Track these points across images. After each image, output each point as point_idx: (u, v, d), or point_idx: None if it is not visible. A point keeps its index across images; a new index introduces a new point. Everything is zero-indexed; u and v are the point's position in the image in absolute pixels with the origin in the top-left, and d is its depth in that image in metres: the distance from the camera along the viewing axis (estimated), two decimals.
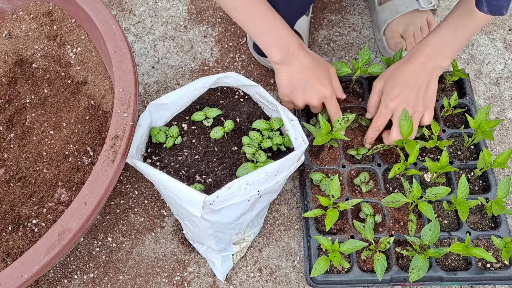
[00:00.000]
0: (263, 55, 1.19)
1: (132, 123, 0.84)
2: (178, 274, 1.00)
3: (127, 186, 1.09)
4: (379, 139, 1.00)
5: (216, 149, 0.92)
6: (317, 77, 0.94)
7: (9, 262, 0.84)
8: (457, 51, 0.95)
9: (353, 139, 1.03)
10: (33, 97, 1.02)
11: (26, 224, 0.89)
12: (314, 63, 0.95)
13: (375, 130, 0.98)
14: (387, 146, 0.98)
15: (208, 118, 0.94)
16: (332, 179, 0.93)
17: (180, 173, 0.89)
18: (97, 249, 1.03)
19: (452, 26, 0.92)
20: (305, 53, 0.94)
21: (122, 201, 1.07)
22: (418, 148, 0.91)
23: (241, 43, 1.27)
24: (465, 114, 1.04)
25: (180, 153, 0.92)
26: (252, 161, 0.89)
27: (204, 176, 0.89)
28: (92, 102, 0.99)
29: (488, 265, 0.90)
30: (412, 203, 0.92)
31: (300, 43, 0.94)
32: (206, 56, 1.26)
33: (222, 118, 0.96)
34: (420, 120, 0.96)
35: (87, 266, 1.01)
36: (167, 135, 0.93)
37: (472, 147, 1.02)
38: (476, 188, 0.98)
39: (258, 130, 0.93)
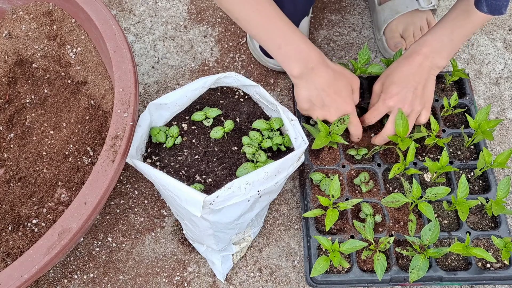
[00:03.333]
0: (268, 56, 1.19)
1: (132, 123, 0.84)
2: (178, 274, 1.00)
3: (127, 186, 1.09)
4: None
5: (216, 149, 0.92)
6: (337, 93, 0.91)
7: (9, 262, 0.84)
8: (454, 51, 0.95)
9: None
10: (33, 97, 1.02)
11: (26, 224, 0.89)
12: (335, 77, 0.90)
13: (367, 122, 0.99)
14: (385, 147, 0.98)
15: (208, 118, 0.94)
16: (332, 179, 0.93)
17: (180, 173, 0.89)
18: (97, 249, 1.03)
19: (449, 26, 0.92)
20: (325, 67, 0.89)
21: (122, 201, 1.07)
22: (414, 146, 0.91)
23: (241, 43, 1.28)
24: (465, 114, 1.04)
25: (180, 153, 0.92)
26: (252, 161, 0.89)
27: (204, 176, 0.89)
28: (92, 102, 0.99)
29: (488, 265, 0.90)
30: (412, 203, 0.92)
31: (320, 56, 0.89)
32: (206, 56, 1.26)
33: (222, 118, 0.96)
34: (417, 119, 0.96)
35: (87, 266, 1.01)
36: (167, 135, 0.93)
37: (472, 147, 1.02)
38: (476, 188, 0.98)
39: (258, 130, 0.93)
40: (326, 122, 0.97)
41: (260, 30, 0.87)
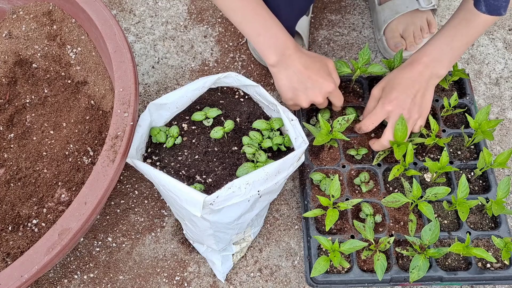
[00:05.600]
0: None
1: (132, 123, 0.84)
2: (178, 274, 1.00)
3: (127, 186, 1.09)
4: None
5: (216, 149, 0.92)
6: (316, 73, 0.94)
7: (9, 262, 0.84)
8: (455, 60, 0.95)
9: (353, 139, 1.03)
10: (33, 97, 1.02)
11: (26, 224, 0.89)
12: (311, 60, 0.94)
13: (364, 128, 0.98)
14: (389, 151, 0.98)
15: (208, 118, 0.94)
16: (332, 179, 0.93)
17: (180, 173, 0.89)
18: (97, 249, 1.03)
19: (450, 35, 0.92)
20: (301, 53, 0.93)
21: (122, 201, 1.07)
22: (411, 148, 0.91)
23: (241, 43, 1.28)
24: (465, 114, 1.04)
25: (180, 153, 0.92)
26: (252, 161, 0.89)
27: (204, 176, 0.89)
28: (92, 102, 0.99)
29: (488, 265, 0.90)
30: (412, 203, 0.92)
31: (296, 45, 0.93)
32: (206, 56, 1.26)
33: (222, 118, 0.96)
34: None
35: (87, 266, 1.01)
36: (167, 135, 0.93)
37: (472, 147, 1.02)
38: (476, 188, 0.98)
39: (258, 130, 0.93)
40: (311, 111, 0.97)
41: (242, 18, 0.91)
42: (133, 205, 1.07)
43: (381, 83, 0.98)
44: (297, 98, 0.95)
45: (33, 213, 0.90)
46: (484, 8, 0.83)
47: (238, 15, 0.91)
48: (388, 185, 0.98)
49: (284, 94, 0.96)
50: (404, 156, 0.98)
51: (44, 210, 0.90)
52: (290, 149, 0.92)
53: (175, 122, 0.95)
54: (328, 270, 0.90)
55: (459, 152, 1.02)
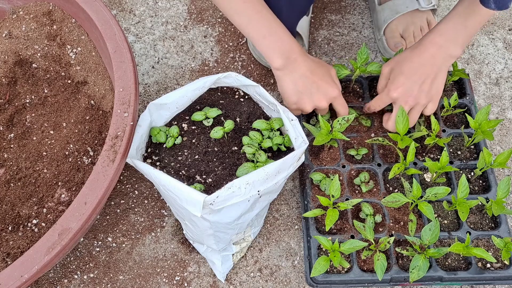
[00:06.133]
0: None
1: (132, 123, 0.84)
2: (178, 274, 1.00)
3: (127, 186, 1.09)
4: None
5: (216, 149, 0.92)
6: (321, 78, 0.94)
7: (9, 262, 0.84)
8: (469, 39, 0.93)
9: (353, 139, 1.03)
10: (33, 97, 1.02)
11: (26, 224, 0.89)
12: (316, 65, 0.94)
13: (372, 108, 1.01)
14: (387, 142, 0.97)
15: (208, 118, 0.94)
16: (332, 179, 0.93)
17: (180, 173, 0.89)
18: (97, 249, 1.03)
19: (463, 13, 0.90)
20: (306, 57, 0.93)
21: (122, 201, 1.07)
22: (414, 146, 0.91)
23: (241, 43, 1.27)
24: (465, 114, 1.04)
25: (180, 153, 0.92)
26: (252, 161, 0.89)
27: (204, 176, 0.89)
28: (92, 102, 0.99)
29: (488, 265, 0.90)
30: (412, 203, 0.92)
31: (301, 49, 0.93)
32: (206, 56, 1.26)
33: (222, 118, 0.96)
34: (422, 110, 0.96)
35: (87, 266, 1.01)
36: (167, 135, 0.93)
37: (472, 147, 1.02)
38: (476, 188, 0.98)
39: (258, 130, 0.93)
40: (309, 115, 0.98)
41: (247, 20, 0.90)
42: (133, 205, 1.07)
43: (391, 62, 0.97)
44: (301, 102, 0.95)
45: (33, 213, 0.90)
46: (493, 5, 0.82)
47: (243, 18, 0.90)
48: (388, 185, 0.98)
49: (288, 98, 0.95)
50: (405, 155, 0.98)
51: (44, 210, 0.90)
52: (290, 149, 0.92)
53: (175, 122, 0.96)
54: (328, 270, 0.90)
55: (459, 152, 1.02)
